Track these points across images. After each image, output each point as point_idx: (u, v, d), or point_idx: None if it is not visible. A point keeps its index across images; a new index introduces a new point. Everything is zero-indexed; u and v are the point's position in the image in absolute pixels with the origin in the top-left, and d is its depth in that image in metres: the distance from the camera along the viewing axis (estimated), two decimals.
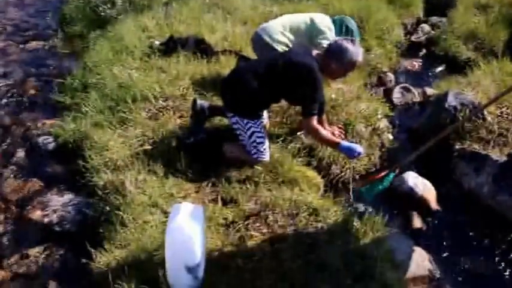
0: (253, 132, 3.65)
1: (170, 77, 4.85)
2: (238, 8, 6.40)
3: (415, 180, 3.98)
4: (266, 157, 3.75)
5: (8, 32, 7.43)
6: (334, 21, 4.53)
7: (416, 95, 5.23)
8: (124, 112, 4.42)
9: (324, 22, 4.38)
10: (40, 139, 4.73)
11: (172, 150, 3.90)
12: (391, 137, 4.49)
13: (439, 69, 5.98)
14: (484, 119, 4.24)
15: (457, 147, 4.18)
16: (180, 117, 4.37)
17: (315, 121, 3.52)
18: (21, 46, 6.94)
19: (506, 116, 4.32)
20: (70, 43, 6.83)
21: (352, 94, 4.66)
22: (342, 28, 4.54)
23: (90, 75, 5.25)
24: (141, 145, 4.03)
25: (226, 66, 4.92)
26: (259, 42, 4.38)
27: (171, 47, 5.32)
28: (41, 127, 4.98)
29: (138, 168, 3.72)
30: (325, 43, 4.15)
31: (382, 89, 5.46)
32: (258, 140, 3.67)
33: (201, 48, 5.25)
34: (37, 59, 6.56)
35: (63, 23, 7.38)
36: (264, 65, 3.61)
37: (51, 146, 4.64)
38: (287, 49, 4.16)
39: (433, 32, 6.69)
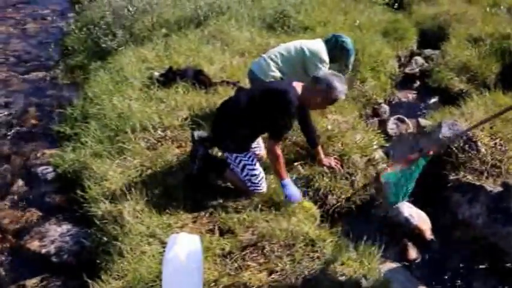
0: (244, 166, 3.68)
1: (169, 107, 4.93)
2: (235, 40, 6.52)
3: (410, 211, 4.01)
4: (262, 189, 3.77)
5: (11, 62, 7.56)
6: (329, 40, 4.56)
7: (410, 126, 5.31)
8: (123, 142, 4.48)
9: (318, 55, 4.43)
10: (39, 169, 4.79)
11: (171, 180, 3.95)
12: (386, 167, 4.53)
13: (433, 100, 6.08)
14: (478, 151, 4.30)
15: (451, 177, 4.23)
16: (179, 147, 4.42)
17: (279, 146, 3.61)
18: (23, 77, 7.07)
19: (499, 147, 4.38)
20: (71, 74, 6.96)
21: (348, 125, 4.73)
22: (336, 45, 4.53)
23: (91, 105, 5.34)
24: (140, 175, 4.07)
25: (224, 96, 4.99)
26: (255, 81, 4.46)
27: (170, 78, 5.42)
28: (40, 157, 5.05)
29: (136, 198, 3.75)
30: (311, 57, 4.38)
31: (377, 120, 5.55)
32: (251, 173, 3.69)
33: (199, 79, 5.34)
34: (38, 89, 6.67)
35: (65, 54, 7.52)
36: (246, 97, 3.69)
37: (50, 175, 4.69)
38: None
39: (426, 64, 6.84)
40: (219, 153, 4.10)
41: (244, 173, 3.69)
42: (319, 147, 4.13)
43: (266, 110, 3.52)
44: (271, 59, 4.44)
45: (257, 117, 3.59)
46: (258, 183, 3.73)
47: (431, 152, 3.61)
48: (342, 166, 4.22)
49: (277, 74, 4.40)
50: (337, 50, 4.52)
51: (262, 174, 3.78)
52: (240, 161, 3.67)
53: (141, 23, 7.35)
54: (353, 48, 4.65)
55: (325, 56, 4.45)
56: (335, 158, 4.25)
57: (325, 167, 4.17)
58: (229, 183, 3.93)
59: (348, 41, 4.58)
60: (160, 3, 7.78)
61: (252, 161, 3.71)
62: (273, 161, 3.64)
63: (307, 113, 3.93)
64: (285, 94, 3.47)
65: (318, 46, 4.49)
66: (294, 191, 3.66)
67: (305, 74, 4.37)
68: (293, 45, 4.52)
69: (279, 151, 3.59)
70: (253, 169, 3.69)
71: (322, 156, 4.15)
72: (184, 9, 7.57)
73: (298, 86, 3.58)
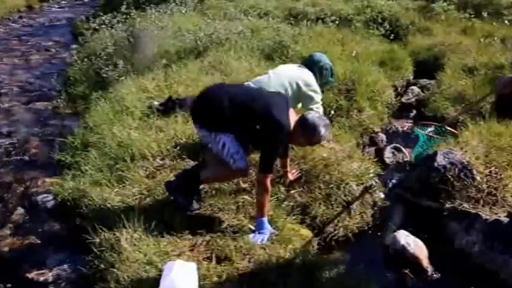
0: (224, 143, 3.64)
1: (168, 136, 4.99)
2: (235, 70, 6.63)
3: (407, 239, 4.02)
4: (243, 164, 3.70)
5: (14, 93, 7.70)
6: (308, 65, 4.69)
7: (407, 155, 5.36)
8: (122, 170, 4.53)
9: (310, 86, 4.56)
10: (39, 197, 4.83)
11: (168, 208, 3.98)
12: (382, 195, 4.57)
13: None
14: (474, 178, 4.33)
15: (447, 205, 4.25)
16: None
17: (269, 179, 3.62)
18: (26, 106, 7.18)
19: (494, 175, 4.41)
20: (73, 104, 7.08)
21: (344, 153, 4.78)
22: (320, 70, 4.71)
23: (91, 134, 5.41)
24: (138, 203, 4.11)
25: None
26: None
27: (169, 107, 5.51)
28: (41, 185, 5.09)
29: (134, 226, 3.78)
30: (315, 106, 4.52)
31: (373, 148, 5.60)
32: (232, 150, 3.64)
33: None
34: (40, 119, 6.77)
35: (67, 84, 7.64)
36: (242, 99, 3.68)
37: (50, 204, 4.74)
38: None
39: (422, 93, 6.94)
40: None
41: (226, 150, 3.64)
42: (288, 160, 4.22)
43: (262, 133, 3.55)
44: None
45: (247, 125, 3.60)
46: (240, 159, 3.67)
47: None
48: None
49: None
50: (317, 67, 4.70)
51: (244, 153, 3.72)
52: (220, 139, 3.63)
53: (142, 53, 7.48)
54: (329, 62, 4.82)
55: (318, 88, 4.60)
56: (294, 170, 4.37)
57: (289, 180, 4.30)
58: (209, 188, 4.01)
59: (327, 62, 4.78)
60: (160, 34, 7.94)
61: (232, 140, 3.65)
62: (261, 194, 3.65)
63: None
64: (283, 132, 3.56)
65: (311, 79, 4.60)
66: (266, 233, 3.68)
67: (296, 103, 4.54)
68: (287, 81, 4.53)
69: (269, 185, 3.61)
70: (234, 146, 3.65)
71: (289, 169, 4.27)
72: (184, 40, 7.73)
73: (292, 118, 3.67)
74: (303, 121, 3.64)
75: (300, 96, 4.57)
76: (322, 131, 3.60)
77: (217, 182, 4.01)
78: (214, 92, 3.79)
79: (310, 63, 4.75)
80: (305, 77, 4.59)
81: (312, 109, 4.53)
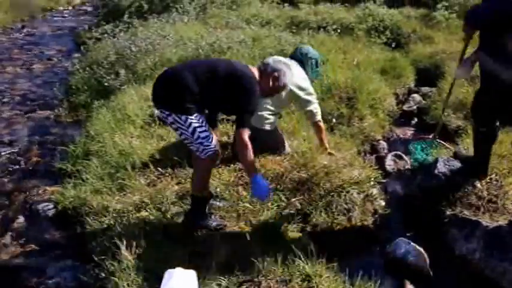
0: (194, 128, 3.47)
1: (169, 144, 5.01)
2: None
3: (407, 247, 4.01)
4: (215, 148, 3.59)
5: (16, 102, 7.74)
6: (296, 58, 4.77)
7: (408, 162, 5.35)
8: (123, 179, 4.54)
9: (305, 90, 4.62)
10: (40, 206, 4.84)
11: (169, 217, 3.99)
12: (383, 203, 4.56)
13: (430, 136, 6.13)
14: (474, 186, 4.33)
15: (448, 213, 4.24)
16: (178, 183, 4.48)
17: (247, 134, 3.45)
18: (28, 115, 7.21)
19: (495, 182, 4.41)
20: (74, 112, 7.10)
21: (346, 161, 4.78)
22: (308, 62, 4.79)
23: (92, 143, 5.43)
24: (139, 211, 4.12)
25: (223, 132, 5.10)
26: None
27: None
28: (42, 194, 5.11)
29: (134, 235, 3.79)
30: (313, 107, 4.64)
31: (375, 156, 5.60)
32: (202, 135, 3.50)
33: None
34: (42, 127, 6.79)
35: (69, 93, 7.68)
36: (205, 68, 3.58)
37: (51, 212, 4.75)
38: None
39: (424, 101, 6.93)
40: None
41: (196, 136, 3.49)
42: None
43: (232, 92, 3.48)
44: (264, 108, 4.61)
45: (216, 93, 3.53)
46: (210, 145, 3.54)
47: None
48: None
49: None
50: (304, 59, 4.78)
51: (213, 135, 3.62)
52: (190, 123, 3.46)
53: (144, 62, 7.52)
54: (318, 56, 4.95)
55: (311, 89, 4.71)
56: None
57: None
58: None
59: (313, 52, 4.88)
60: (162, 43, 7.98)
61: (202, 122, 3.52)
62: (242, 152, 3.46)
63: None
64: (252, 82, 3.53)
65: (304, 83, 4.64)
66: (264, 189, 3.52)
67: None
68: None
69: (248, 140, 3.43)
70: (204, 130, 3.51)
71: None
72: (186, 49, 7.76)
73: (254, 70, 3.68)
74: (264, 67, 3.72)
75: (297, 100, 4.69)
76: (287, 71, 3.73)
77: (203, 181, 3.78)
78: (176, 72, 3.64)
79: (297, 55, 4.82)
80: (297, 81, 4.57)
81: (311, 111, 4.65)
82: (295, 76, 4.46)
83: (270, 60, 3.80)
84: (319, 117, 4.75)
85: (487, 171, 4.34)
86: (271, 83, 3.72)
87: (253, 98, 3.51)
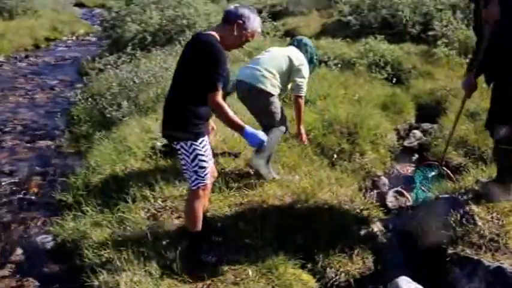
0: (196, 156, 3.57)
1: (170, 177, 5.00)
2: (238, 112, 6.65)
3: (409, 285, 3.97)
4: (206, 182, 3.68)
5: (18, 131, 7.76)
6: (297, 46, 5.13)
7: (409, 199, 5.34)
8: (123, 212, 4.52)
9: (300, 61, 4.96)
10: (39, 238, 4.81)
11: (169, 252, 3.95)
12: (385, 240, 4.53)
13: (432, 173, 6.13)
14: (475, 224, 4.31)
15: (449, 251, 4.21)
16: (178, 217, 4.46)
17: (219, 96, 3.46)
18: (29, 145, 7.21)
19: (496, 221, 4.39)
20: (76, 143, 7.11)
21: (347, 197, 4.77)
22: (307, 51, 5.13)
23: (93, 174, 5.42)
24: (138, 245, 4.08)
25: (225, 167, 5.10)
26: (246, 88, 4.92)
27: (172, 148, 5.51)
28: (41, 225, 5.08)
29: (133, 269, 3.75)
30: (299, 80, 4.91)
31: (376, 192, 5.58)
32: (200, 164, 3.60)
33: None
34: (43, 158, 6.80)
35: (71, 123, 7.70)
36: (174, 79, 3.69)
37: (49, 244, 4.71)
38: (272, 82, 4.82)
39: (424, 138, 6.95)
40: None
41: (194, 163, 3.59)
42: None
43: (198, 61, 3.45)
44: (264, 67, 4.88)
45: (189, 73, 3.51)
46: (203, 177, 3.64)
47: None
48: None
49: (269, 75, 4.85)
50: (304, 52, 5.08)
51: (210, 168, 3.71)
52: (194, 149, 3.56)
53: (146, 94, 7.58)
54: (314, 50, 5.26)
55: (306, 64, 5.03)
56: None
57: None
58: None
59: (310, 44, 5.24)
60: (164, 75, 8.05)
61: (205, 152, 3.62)
62: (221, 113, 3.53)
63: None
64: (212, 45, 3.43)
65: (301, 56, 5.03)
66: (257, 137, 3.54)
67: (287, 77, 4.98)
68: (281, 56, 4.96)
69: (220, 101, 3.46)
70: (204, 161, 3.60)
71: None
72: None
73: (213, 33, 3.54)
74: (225, 16, 3.62)
75: (291, 69, 4.92)
76: (251, 14, 3.58)
77: (195, 213, 3.78)
78: (168, 99, 3.77)
79: (298, 44, 5.17)
80: (296, 53, 5.01)
81: (297, 83, 4.94)
82: (295, 50, 5.05)
83: (232, 7, 3.65)
84: (302, 92, 4.99)
85: None
86: (236, 31, 3.58)
87: (217, 61, 3.42)
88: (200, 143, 3.58)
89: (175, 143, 3.67)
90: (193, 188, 3.68)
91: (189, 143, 3.56)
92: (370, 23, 11.94)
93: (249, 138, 3.56)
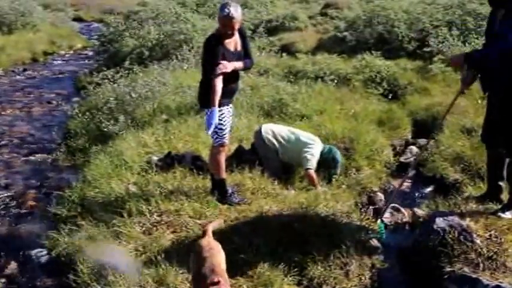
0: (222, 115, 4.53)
1: (166, 192, 4.98)
2: (234, 127, 6.69)
3: None
4: (225, 141, 4.68)
5: (14, 144, 7.75)
6: (324, 150, 5.68)
7: (406, 215, 5.32)
8: (119, 226, 4.50)
9: (309, 136, 5.61)
10: (34, 251, 4.78)
11: (164, 266, 3.92)
12: (381, 257, 4.51)
13: (428, 190, 6.13)
14: (473, 242, 4.29)
15: (447, 269, 4.19)
16: (173, 232, 4.44)
17: (218, 81, 4.33)
18: (25, 159, 7.19)
19: (494, 239, 4.37)
20: (72, 157, 7.10)
21: (343, 213, 4.76)
22: (329, 155, 5.67)
23: (89, 188, 5.39)
24: (133, 260, 4.05)
25: None
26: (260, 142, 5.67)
27: (168, 162, 5.52)
28: (35, 239, 5.04)
29: (128, 285, 3.72)
30: (308, 154, 5.46)
31: (372, 208, 5.56)
32: (219, 126, 4.52)
33: (197, 164, 5.44)
34: (39, 171, 6.78)
35: (68, 137, 7.69)
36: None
37: (44, 259, 4.68)
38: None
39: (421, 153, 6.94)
40: None
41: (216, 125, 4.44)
42: None
43: (203, 58, 4.62)
44: (279, 138, 5.63)
45: (203, 68, 4.59)
46: (222, 136, 4.63)
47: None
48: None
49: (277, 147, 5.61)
50: (329, 158, 5.66)
51: (228, 129, 4.69)
52: (215, 115, 4.38)
53: (143, 108, 7.58)
54: (340, 159, 5.77)
55: (317, 145, 5.62)
56: None
57: None
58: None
59: (338, 154, 5.77)
60: (162, 90, 8.07)
61: (224, 117, 4.57)
62: (211, 93, 4.33)
63: None
64: (205, 43, 4.54)
65: (312, 136, 5.67)
66: (213, 120, 4.32)
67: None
68: (299, 136, 5.69)
69: (215, 84, 4.32)
70: (222, 124, 4.56)
71: None
72: (185, 96, 7.84)
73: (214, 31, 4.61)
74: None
75: (300, 143, 5.59)
76: (221, 10, 4.35)
77: (217, 164, 4.75)
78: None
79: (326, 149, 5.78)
80: (315, 148, 5.63)
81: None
82: (316, 147, 5.66)
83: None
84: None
85: None
86: (221, 26, 4.44)
87: (209, 49, 4.43)
88: (220, 110, 4.48)
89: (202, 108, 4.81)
90: (215, 144, 4.66)
91: (210, 109, 4.41)
92: (366, 39, 12.04)
93: (208, 116, 4.39)
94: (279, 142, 5.61)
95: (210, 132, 4.45)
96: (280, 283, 3.82)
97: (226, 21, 4.36)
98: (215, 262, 3.14)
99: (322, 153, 5.64)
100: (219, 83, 4.34)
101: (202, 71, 4.64)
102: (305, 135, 5.74)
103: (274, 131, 5.72)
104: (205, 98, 4.45)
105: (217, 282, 2.91)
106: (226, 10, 4.32)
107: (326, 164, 5.68)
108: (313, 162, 5.49)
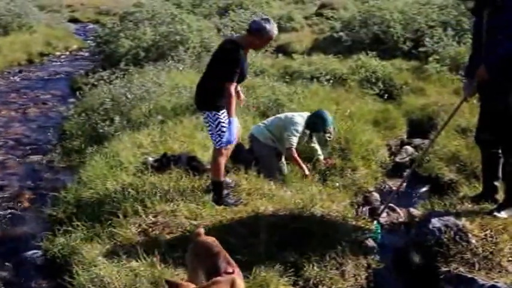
0: (219, 123, 4.56)
1: (161, 193, 4.97)
2: None
3: None
4: (226, 143, 4.57)
5: (9, 145, 7.72)
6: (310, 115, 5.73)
7: (401, 215, 5.33)
8: (114, 227, 4.48)
9: (296, 125, 5.57)
10: (29, 253, 4.76)
11: (160, 267, 3.91)
12: (377, 257, 4.52)
13: (423, 189, 6.15)
14: (469, 242, 4.29)
15: (443, 269, 4.20)
16: (169, 233, 4.43)
17: (233, 87, 4.40)
18: (20, 160, 7.16)
19: (490, 238, 4.38)
20: (68, 157, 7.08)
21: (339, 213, 4.76)
22: (316, 118, 5.69)
23: (84, 189, 5.37)
24: (129, 261, 4.04)
25: None
26: (254, 141, 5.76)
27: (164, 163, 5.51)
28: (31, 240, 5.02)
29: (124, 285, 3.71)
30: (288, 132, 5.53)
31: (367, 208, 5.58)
32: (223, 129, 4.54)
33: (192, 165, 5.43)
34: (34, 172, 6.76)
35: (63, 138, 7.67)
36: (211, 58, 4.73)
37: (39, 260, 4.67)
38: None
39: (416, 153, 6.97)
40: None
41: (217, 129, 4.57)
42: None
43: (220, 60, 4.52)
44: (267, 124, 5.78)
45: (214, 69, 4.57)
46: (224, 139, 4.56)
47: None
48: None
49: (269, 135, 5.66)
50: (317, 121, 5.69)
51: (231, 131, 4.54)
52: (217, 118, 4.54)
53: (139, 109, 7.57)
54: (329, 118, 5.75)
55: (299, 128, 5.58)
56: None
57: None
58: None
59: (326, 113, 5.79)
60: (157, 91, 8.06)
61: (226, 120, 4.51)
62: (228, 99, 4.39)
63: None
64: (231, 49, 4.45)
65: (300, 119, 5.62)
66: (232, 132, 4.42)
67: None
68: (284, 114, 5.91)
69: (232, 91, 4.38)
70: (224, 127, 4.54)
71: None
72: (181, 97, 7.83)
73: (238, 39, 4.71)
74: (250, 28, 4.50)
75: (286, 126, 5.62)
76: (267, 25, 4.42)
77: (217, 166, 4.72)
78: (200, 81, 4.83)
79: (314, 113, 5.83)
80: (299, 116, 5.71)
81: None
82: (299, 116, 5.72)
83: (257, 19, 4.60)
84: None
85: None
86: (258, 39, 4.51)
87: (233, 61, 4.40)
88: (222, 114, 4.53)
89: (203, 112, 4.72)
90: (218, 147, 4.63)
91: (213, 112, 4.55)
92: (362, 39, 12.07)
93: (230, 126, 4.44)
94: (268, 127, 5.71)
95: (234, 142, 4.68)
96: (276, 283, 3.81)
97: (269, 40, 4.61)
98: (227, 255, 3.26)
99: (308, 119, 5.67)
100: (234, 90, 4.42)
101: (212, 74, 4.61)
102: (292, 112, 5.93)
103: (263, 121, 5.95)
104: (211, 102, 4.54)
105: (233, 272, 3.06)
106: (275, 31, 4.50)
107: (316, 127, 5.75)
108: (293, 140, 5.53)
